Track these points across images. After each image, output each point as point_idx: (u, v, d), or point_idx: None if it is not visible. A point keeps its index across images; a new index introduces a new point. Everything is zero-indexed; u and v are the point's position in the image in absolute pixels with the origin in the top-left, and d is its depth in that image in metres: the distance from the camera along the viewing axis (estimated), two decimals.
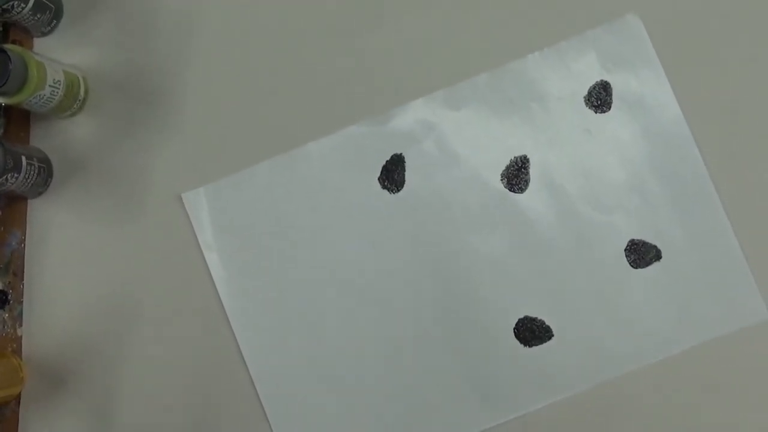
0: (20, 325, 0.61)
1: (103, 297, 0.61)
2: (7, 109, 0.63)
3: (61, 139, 0.63)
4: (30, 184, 0.59)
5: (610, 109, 0.61)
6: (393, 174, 0.61)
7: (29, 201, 0.62)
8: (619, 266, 0.60)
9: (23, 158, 0.58)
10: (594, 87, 0.61)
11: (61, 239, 0.62)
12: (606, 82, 0.61)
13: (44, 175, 0.61)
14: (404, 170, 0.61)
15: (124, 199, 0.62)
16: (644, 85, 0.61)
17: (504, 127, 0.61)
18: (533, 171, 0.61)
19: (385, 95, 0.62)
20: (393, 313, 0.60)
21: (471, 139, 0.61)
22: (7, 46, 0.55)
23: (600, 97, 0.61)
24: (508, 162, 0.61)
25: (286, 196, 0.61)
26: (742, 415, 0.59)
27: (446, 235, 0.60)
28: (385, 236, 0.61)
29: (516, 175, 0.61)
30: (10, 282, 0.62)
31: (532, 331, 0.60)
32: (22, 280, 0.62)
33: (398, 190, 0.61)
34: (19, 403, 0.61)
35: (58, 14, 0.63)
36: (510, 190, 0.61)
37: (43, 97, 0.57)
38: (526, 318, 0.60)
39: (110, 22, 0.63)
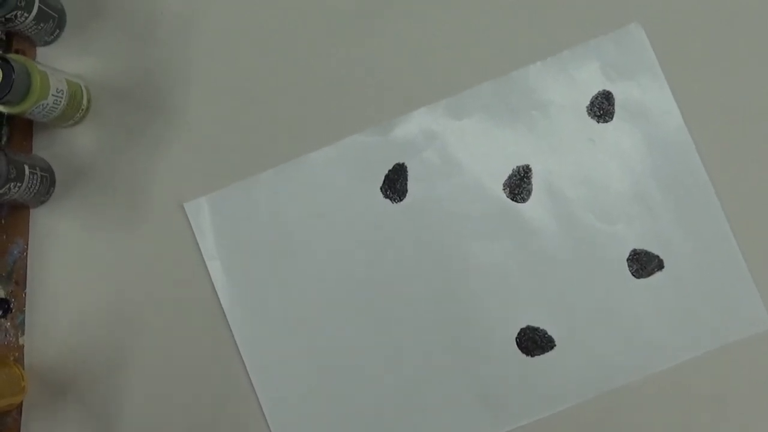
0: (22, 334, 0.61)
1: (105, 306, 0.61)
2: (10, 119, 0.63)
3: (63, 148, 0.63)
4: (33, 193, 0.59)
5: (612, 118, 0.61)
6: (395, 183, 0.61)
7: (32, 210, 0.62)
8: (621, 276, 0.60)
9: (26, 167, 0.58)
10: (596, 96, 0.61)
11: (64, 248, 0.62)
12: (608, 91, 0.61)
13: (47, 184, 0.61)
14: (406, 180, 0.61)
15: (126, 208, 0.62)
16: (647, 94, 0.61)
17: (506, 136, 0.61)
18: (535, 180, 0.61)
19: (388, 104, 0.62)
20: (394, 322, 0.60)
21: (473, 148, 0.61)
22: (10, 56, 0.55)
23: (602, 107, 0.61)
24: (510, 171, 0.61)
25: (288, 205, 0.61)
26: (746, 425, 0.58)
27: (448, 245, 0.60)
28: (387, 246, 0.61)
29: (518, 185, 0.61)
30: (12, 291, 0.62)
31: (534, 341, 0.59)
32: (25, 288, 0.62)
33: (400, 200, 0.61)
34: (20, 412, 0.61)
35: (60, 23, 0.63)
36: (512, 200, 0.61)
37: (45, 107, 0.57)
38: (528, 328, 0.60)
39: (113, 31, 0.64)
